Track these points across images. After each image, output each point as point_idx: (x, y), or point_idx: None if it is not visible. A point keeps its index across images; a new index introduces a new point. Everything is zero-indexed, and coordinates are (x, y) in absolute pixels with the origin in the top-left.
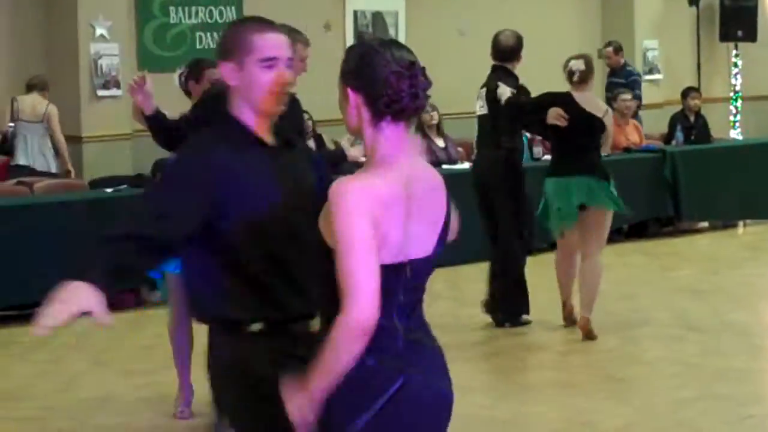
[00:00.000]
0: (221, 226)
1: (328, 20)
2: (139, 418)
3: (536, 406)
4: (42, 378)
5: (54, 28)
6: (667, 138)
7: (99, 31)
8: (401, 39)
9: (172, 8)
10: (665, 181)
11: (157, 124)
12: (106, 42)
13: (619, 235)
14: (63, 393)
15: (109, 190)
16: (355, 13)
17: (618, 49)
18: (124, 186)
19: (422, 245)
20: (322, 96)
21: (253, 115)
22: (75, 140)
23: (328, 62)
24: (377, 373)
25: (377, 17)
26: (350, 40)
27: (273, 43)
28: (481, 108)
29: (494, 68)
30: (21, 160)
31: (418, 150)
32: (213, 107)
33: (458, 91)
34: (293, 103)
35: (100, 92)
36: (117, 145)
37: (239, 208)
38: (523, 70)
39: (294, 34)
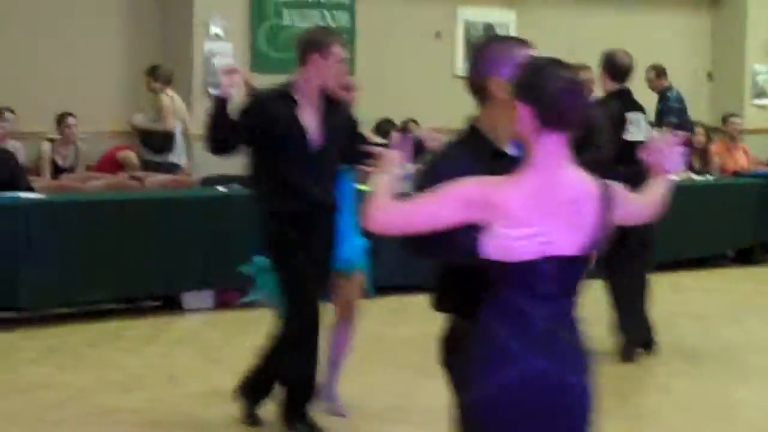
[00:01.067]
0: None
1: (439, 30)
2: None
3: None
4: (151, 370)
5: (170, 23)
6: None
7: (214, 29)
8: None
9: (285, 10)
10: None
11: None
12: (221, 41)
13: (725, 260)
14: (171, 386)
15: (221, 188)
16: (466, 23)
17: (660, 73)
18: (236, 185)
19: (563, 245)
20: (433, 102)
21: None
22: (187, 137)
23: (438, 70)
24: (506, 350)
25: (488, 28)
26: (460, 50)
27: None
28: (633, 134)
29: (621, 92)
30: (175, 158)
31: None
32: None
33: None
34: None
35: (213, 90)
36: None
37: None
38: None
39: (336, 36)
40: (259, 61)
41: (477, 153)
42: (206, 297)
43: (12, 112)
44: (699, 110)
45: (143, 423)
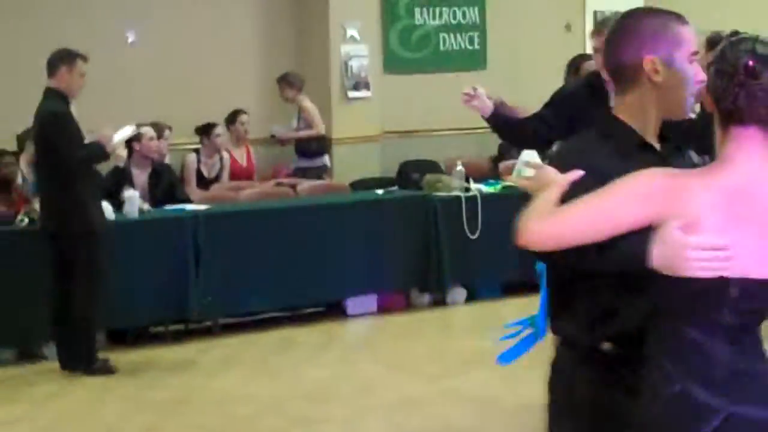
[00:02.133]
0: None
1: (568, 21)
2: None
3: None
4: (338, 380)
5: (305, 28)
6: None
7: (350, 32)
8: None
9: (417, 9)
10: None
11: (496, 122)
12: (356, 43)
13: None
14: (364, 395)
15: (379, 191)
16: (595, 13)
17: None
18: (395, 188)
19: (758, 263)
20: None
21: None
22: (327, 142)
23: (565, 62)
24: (694, 403)
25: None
26: (589, 41)
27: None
28: None
29: None
30: (326, 161)
31: None
32: (570, 104)
33: None
34: None
35: (351, 93)
36: (365, 147)
37: None
38: None
39: None
40: (391, 62)
41: (619, 146)
42: (369, 302)
43: (170, 129)
44: None
45: None
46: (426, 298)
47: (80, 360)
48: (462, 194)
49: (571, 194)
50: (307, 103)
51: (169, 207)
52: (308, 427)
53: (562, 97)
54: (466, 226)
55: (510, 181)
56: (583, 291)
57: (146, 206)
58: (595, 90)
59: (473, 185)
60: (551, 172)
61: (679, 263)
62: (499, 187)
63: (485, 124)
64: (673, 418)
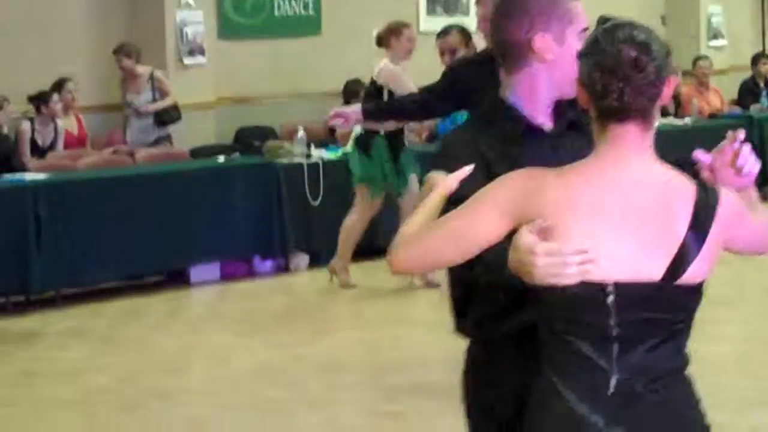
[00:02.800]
0: None
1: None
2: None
3: None
4: (191, 350)
5: None
6: (739, 103)
7: None
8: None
9: None
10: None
11: (377, 116)
12: (191, 9)
13: None
14: (219, 365)
15: (221, 158)
16: None
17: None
18: (237, 155)
19: (632, 267)
20: None
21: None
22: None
23: None
24: (580, 421)
25: None
26: (423, 6)
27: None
28: None
29: None
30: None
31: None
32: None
33: None
34: None
35: (186, 60)
36: (201, 114)
37: None
38: None
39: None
40: (226, 28)
41: (505, 131)
42: (213, 269)
43: (8, 101)
44: None
45: (211, 403)
46: (269, 264)
47: None
48: (304, 161)
49: (462, 192)
50: (159, 74)
51: (7, 176)
52: (167, 398)
53: (456, 70)
54: (308, 193)
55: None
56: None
57: None
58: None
59: (314, 151)
60: (437, 176)
61: (527, 270)
62: (339, 153)
63: (320, 89)
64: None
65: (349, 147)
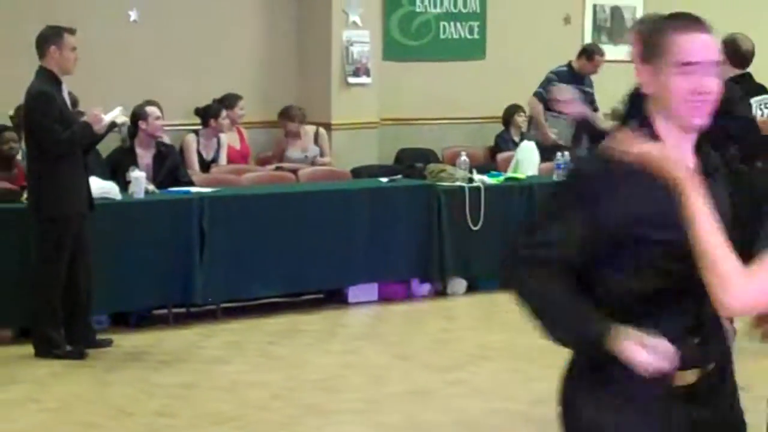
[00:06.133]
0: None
1: (567, 13)
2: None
3: None
4: (346, 369)
5: (307, 12)
6: None
7: (352, 18)
8: None
9: None
10: None
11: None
12: (358, 29)
13: None
14: (377, 385)
15: (383, 179)
16: (594, 6)
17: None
18: (399, 176)
19: None
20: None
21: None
22: (325, 127)
23: (567, 55)
24: None
25: (616, 11)
26: (588, 34)
27: (693, 46)
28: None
29: (743, 77)
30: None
31: None
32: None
33: None
34: None
35: (351, 80)
36: (364, 133)
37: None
38: None
39: None
40: (391, 49)
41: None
42: (370, 290)
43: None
44: None
45: (366, 424)
46: (426, 288)
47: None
48: (465, 185)
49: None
50: (323, 132)
51: (173, 189)
52: (323, 417)
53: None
54: (468, 217)
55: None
56: None
57: (151, 187)
58: None
59: (476, 176)
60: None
61: None
62: (502, 178)
63: (481, 114)
64: None
65: (510, 172)
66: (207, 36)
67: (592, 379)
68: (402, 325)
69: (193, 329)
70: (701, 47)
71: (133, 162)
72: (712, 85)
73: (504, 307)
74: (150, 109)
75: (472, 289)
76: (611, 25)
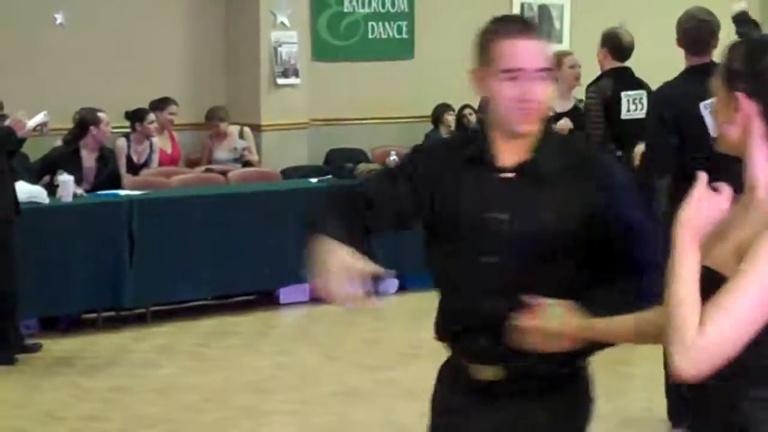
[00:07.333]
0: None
1: (495, 13)
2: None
3: None
4: (278, 370)
5: (235, 14)
6: None
7: (280, 18)
8: (565, 33)
9: None
10: None
11: None
12: (286, 30)
13: None
14: (307, 386)
15: (314, 180)
16: (522, 5)
17: None
18: (330, 177)
19: None
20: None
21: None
22: (254, 129)
23: None
24: None
25: (543, 10)
26: None
27: (516, 51)
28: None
29: (618, 70)
30: None
31: None
32: None
33: None
34: None
35: (280, 80)
36: (293, 134)
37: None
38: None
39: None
40: (320, 49)
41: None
42: (302, 291)
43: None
44: None
45: (298, 425)
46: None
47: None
48: None
49: None
50: (247, 131)
51: (102, 192)
52: (256, 418)
53: None
54: None
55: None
56: None
57: (80, 191)
58: None
59: None
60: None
61: None
62: None
63: (410, 113)
64: None
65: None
66: (135, 38)
67: None
68: (333, 325)
69: (123, 333)
70: (525, 54)
71: (77, 163)
72: (538, 93)
73: (433, 305)
74: (102, 115)
75: (402, 288)
76: (539, 24)
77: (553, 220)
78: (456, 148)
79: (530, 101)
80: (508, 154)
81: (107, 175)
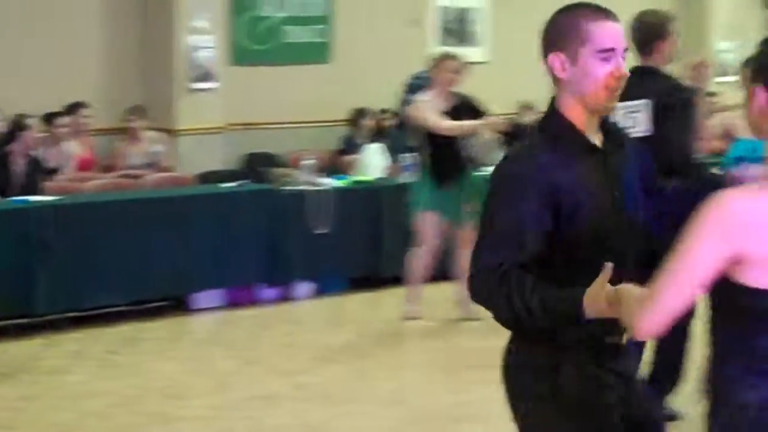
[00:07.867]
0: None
1: (415, 16)
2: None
3: None
4: (193, 376)
5: (150, 17)
6: None
7: (196, 23)
8: (486, 37)
9: (263, 0)
10: None
11: None
12: (203, 34)
13: None
14: (222, 392)
15: (230, 184)
16: (443, 9)
17: None
18: (246, 181)
19: None
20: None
21: (583, 111)
22: (170, 133)
23: (415, 57)
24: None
25: (464, 13)
26: (436, 36)
27: (609, 33)
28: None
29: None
30: None
31: None
32: None
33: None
34: None
35: (195, 85)
36: (209, 138)
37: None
38: None
39: None
40: (238, 53)
41: (567, 150)
42: (216, 296)
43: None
44: None
45: (211, 430)
46: (273, 292)
47: None
48: (310, 188)
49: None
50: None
51: (12, 198)
52: (166, 424)
53: None
54: (313, 220)
55: None
56: None
57: None
58: None
59: (322, 179)
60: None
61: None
62: (347, 181)
63: (327, 117)
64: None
65: (356, 175)
66: (49, 41)
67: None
68: (248, 330)
69: (35, 340)
70: (616, 35)
71: (4, 166)
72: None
73: (349, 309)
74: (32, 121)
75: (318, 292)
76: (459, 28)
77: (636, 185)
78: (551, 148)
79: (621, 78)
80: (590, 135)
81: (33, 180)
